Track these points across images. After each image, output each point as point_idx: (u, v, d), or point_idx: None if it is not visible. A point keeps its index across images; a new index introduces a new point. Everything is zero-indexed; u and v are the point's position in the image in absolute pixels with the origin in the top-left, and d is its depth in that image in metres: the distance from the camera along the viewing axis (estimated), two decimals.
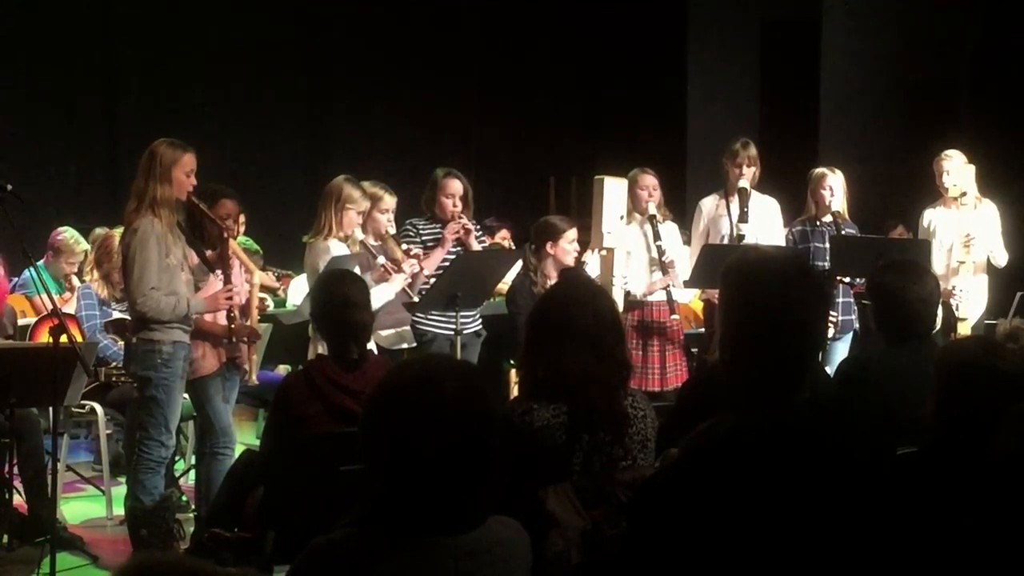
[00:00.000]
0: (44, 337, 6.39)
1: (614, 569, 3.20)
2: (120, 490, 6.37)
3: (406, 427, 2.32)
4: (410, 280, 6.54)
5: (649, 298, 7.25)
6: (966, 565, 2.94)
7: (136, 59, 11.12)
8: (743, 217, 7.39)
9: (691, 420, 2.64)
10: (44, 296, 5.69)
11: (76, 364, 5.44)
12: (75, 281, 7.79)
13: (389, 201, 6.80)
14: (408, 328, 6.79)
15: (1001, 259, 7.79)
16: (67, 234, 7.93)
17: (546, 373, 3.60)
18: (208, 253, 6.02)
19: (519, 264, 7.14)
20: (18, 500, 6.13)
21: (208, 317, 5.94)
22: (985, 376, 3.17)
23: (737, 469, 2.40)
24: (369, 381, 2.57)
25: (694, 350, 7.58)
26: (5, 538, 5.63)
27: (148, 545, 5.57)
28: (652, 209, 7.30)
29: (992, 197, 7.84)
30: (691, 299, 8.28)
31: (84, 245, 7.86)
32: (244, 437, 7.35)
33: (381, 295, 6.24)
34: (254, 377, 6.19)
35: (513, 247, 9.11)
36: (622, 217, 6.99)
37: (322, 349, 5.89)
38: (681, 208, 9.06)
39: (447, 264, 6.69)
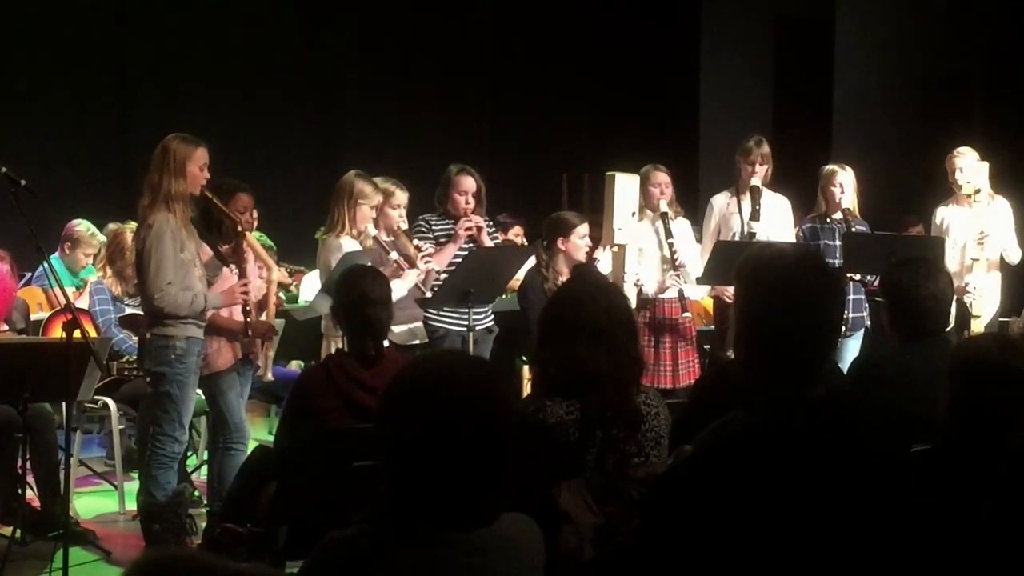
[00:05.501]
0: (57, 332, 6.39)
1: (627, 565, 3.20)
2: (133, 485, 6.38)
3: (420, 422, 2.32)
4: (423, 276, 6.53)
5: (661, 295, 7.24)
6: (980, 562, 2.94)
7: (149, 54, 11.14)
8: (755, 215, 7.38)
9: (704, 417, 2.64)
10: (57, 290, 5.69)
11: (89, 359, 5.45)
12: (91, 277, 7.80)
13: (401, 197, 6.78)
14: (420, 324, 6.78)
15: (1014, 256, 7.78)
16: (82, 226, 7.97)
17: (559, 370, 3.60)
18: (223, 248, 6.03)
19: (532, 260, 7.13)
20: (31, 495, 6.15)
21: (224, 312, 5.94)
22: (1000, 373, 3.15)
23: (751, 466, 2.40)
24: (386, 377, 2.57)
25: (706, 347, 7.57)
26: (18, 533, 5.63)
27: (161, 540, 5.57)
28: (664, 206, 7.28)
29: (1006, 194, 7.83)
30: (703, 296, 8.26)
31: (100, 236, 7.89)
32: (256, 433, 7.36)
33: (393, 291, 6.22)
34: (269, 373, 6.20)
35: (526, 243, 9.11)
36: (634, 214, 6.97)
37: (335, 345, 5.90)
38: (693, 205, 9.04)
39: (460, 260, 6.68)
